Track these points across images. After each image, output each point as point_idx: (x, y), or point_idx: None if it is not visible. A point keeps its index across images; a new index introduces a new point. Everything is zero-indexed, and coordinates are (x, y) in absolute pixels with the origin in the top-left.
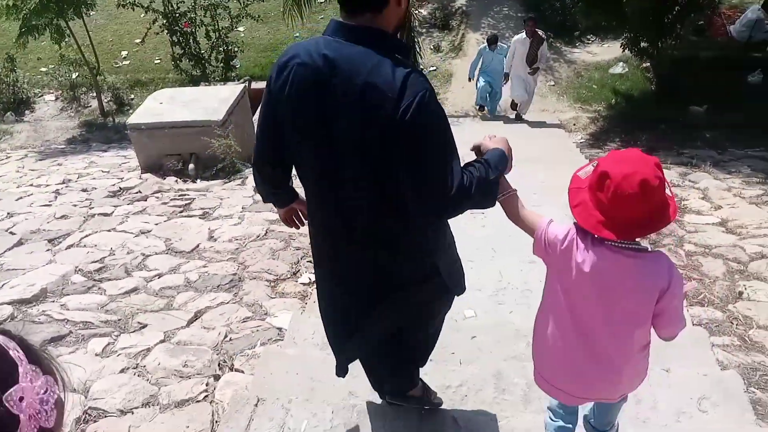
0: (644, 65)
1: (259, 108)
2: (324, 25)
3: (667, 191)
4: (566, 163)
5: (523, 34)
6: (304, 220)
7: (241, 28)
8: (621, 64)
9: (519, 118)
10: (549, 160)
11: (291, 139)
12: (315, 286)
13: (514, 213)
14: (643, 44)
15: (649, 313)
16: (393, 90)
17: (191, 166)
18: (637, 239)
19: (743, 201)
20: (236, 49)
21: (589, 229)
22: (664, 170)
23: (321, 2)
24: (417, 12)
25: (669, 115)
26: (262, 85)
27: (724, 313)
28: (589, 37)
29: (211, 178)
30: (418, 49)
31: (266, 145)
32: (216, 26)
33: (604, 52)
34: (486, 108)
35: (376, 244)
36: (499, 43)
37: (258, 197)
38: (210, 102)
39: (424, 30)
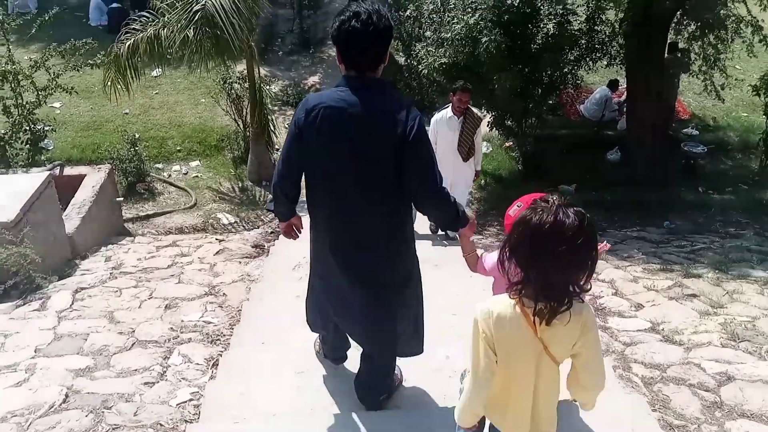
0: (507, 144)
1: (286, 143)
2: (158, 101)
3: None
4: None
5: (448, 111)
6: (299, 232)
7: (56, 104)
8: (485, 144)
9: (446, 236)
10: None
11: (316, 160)
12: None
13: (472, 264)
14: (508, 123)
15: None
16: (401, 116)
17: None
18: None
19: (660, 296)
20: (47, 127)
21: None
22: None
23: (156, 76)
24: (267, 89)
25: None
26: (80, 170)
27: None
28: None
29: None
30: (272, 128)
31: (293, 168)
32: (17, 101)
33: None
34: None
35: (374, 237)
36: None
37: (62, 332)
38: None
39: (276, 107)
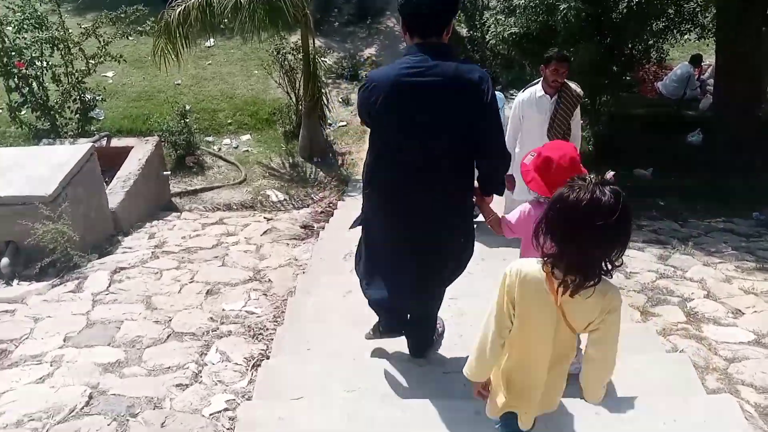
0: None
1: (359, 109)
2: (211, 72)
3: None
4: None
5: (537, 88)
6: None
7: (109, 74)
8: None
9: None
10: None
11: (389, 132)
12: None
13: (497, 226)
14: None
15: None
16: (474, 81)
17: (4, 260)
18: None
19: (761, 301)
20: (98, 96)
21: (542, 194)
22: (636, 251)
23: (209, 46)
24: (322, 60)
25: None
26: (128, 142)
27: None
28: (512, 92)
29: (36, 279)
30: (325, 102)
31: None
32: (68, 69)
33: None
34: None
35: (442, 210)
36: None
37: (95, 318)
38: (37, 168)
39: (330, 80)
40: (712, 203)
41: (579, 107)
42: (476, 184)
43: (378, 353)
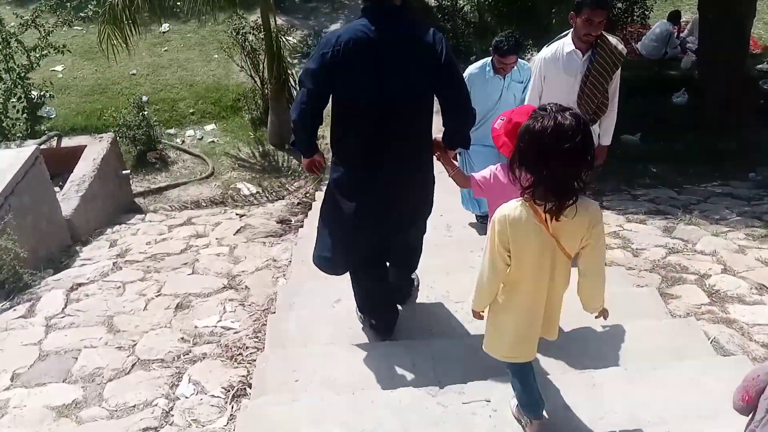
0: None
1: (309, 74)
2: (168, 59)
3: None
4: None
5: (565, 43)
6: (322, 167)
7: (58, 67)
8: None
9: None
10: None
11: (346, 90)
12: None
13: (462, 181)
14: None
15: None
16: (431, 42)
17: None
18: None
19: None
20: (46, 93)
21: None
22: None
23: (164, 32)
24: (285, 39)
25: None
26: (80, 141)
27: None
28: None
29: None
30: (292, 83)
31: (316, 99)
32: (8, 64)
33: None
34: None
35: (409, 159)
36: (515, 59)
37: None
38: None
39: (296, 60)
40: (706, 167)
41: (620, 69)
42: (440, 137)
43: (383, 377)
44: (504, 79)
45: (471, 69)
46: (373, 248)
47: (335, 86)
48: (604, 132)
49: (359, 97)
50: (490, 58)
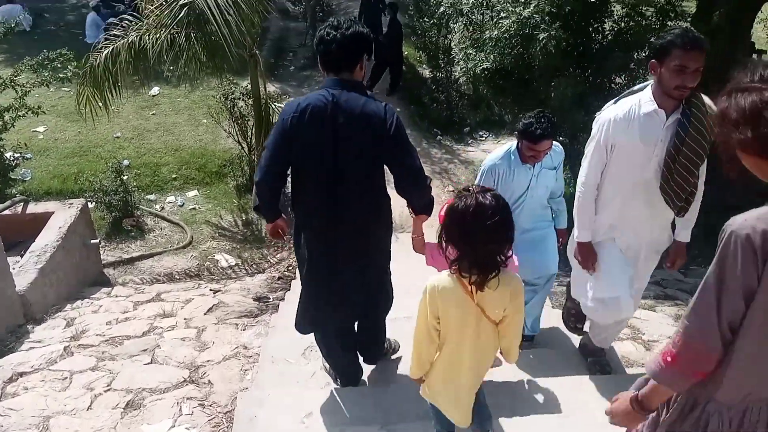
0: None
1: (272, 138)
2: (155, 123)
3: None
4: None
5: (642, 99)
6: (285, 233)
7: (40, 128)
8: None
9: (586, 351)
10: None
11: (303, 154)
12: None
13: (419, 246)
14: (559, 139)
15: None
16: (381, 115)
17: None
18: None
19: None
20: (23, 155)
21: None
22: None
23: (154, 95)
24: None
25: None
26: (48, 207)
27: None
28: (481, 133)
29: None
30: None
31: (278, 162)
32: None
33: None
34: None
35: (362, 222)
36: (550, 145)
37: None
38: None
39: None
40: (709, 247)
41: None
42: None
43: None
44: (534, 167)
45: (492, 159)
46: (336, 313)
47: (292, 150)
48: (683, 226)
49: (313, 161)
50: (515, 143)
